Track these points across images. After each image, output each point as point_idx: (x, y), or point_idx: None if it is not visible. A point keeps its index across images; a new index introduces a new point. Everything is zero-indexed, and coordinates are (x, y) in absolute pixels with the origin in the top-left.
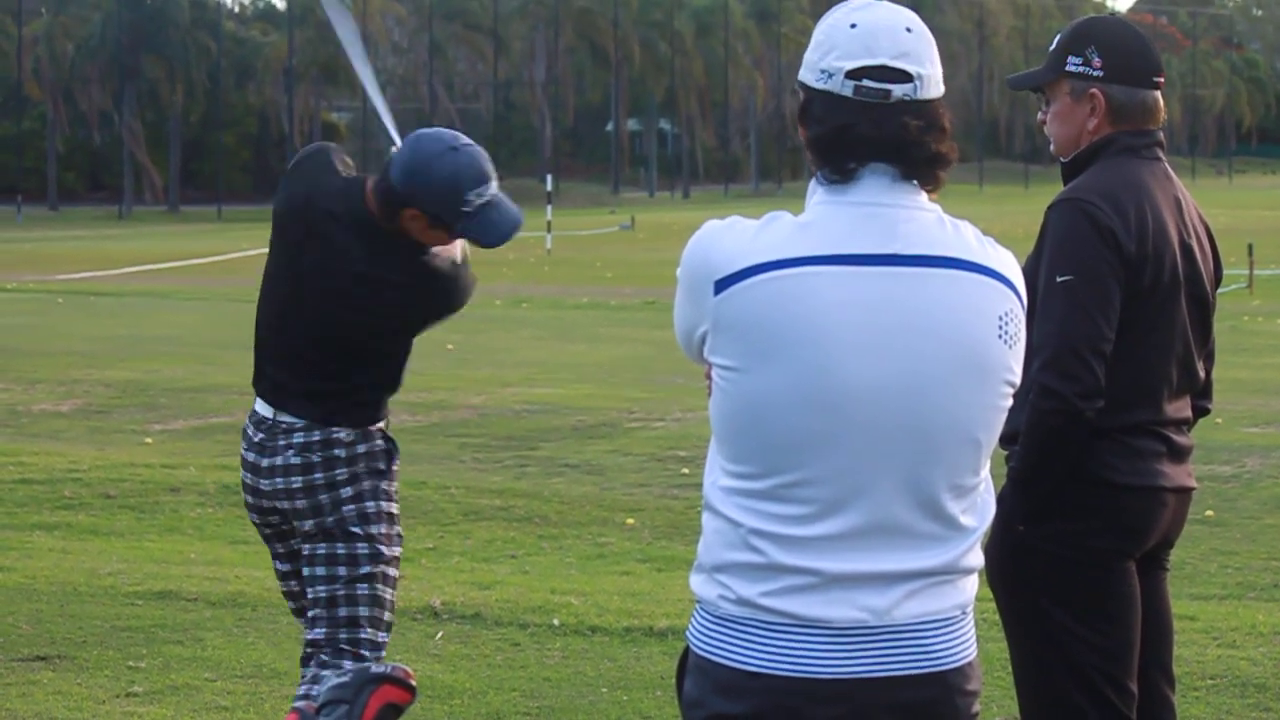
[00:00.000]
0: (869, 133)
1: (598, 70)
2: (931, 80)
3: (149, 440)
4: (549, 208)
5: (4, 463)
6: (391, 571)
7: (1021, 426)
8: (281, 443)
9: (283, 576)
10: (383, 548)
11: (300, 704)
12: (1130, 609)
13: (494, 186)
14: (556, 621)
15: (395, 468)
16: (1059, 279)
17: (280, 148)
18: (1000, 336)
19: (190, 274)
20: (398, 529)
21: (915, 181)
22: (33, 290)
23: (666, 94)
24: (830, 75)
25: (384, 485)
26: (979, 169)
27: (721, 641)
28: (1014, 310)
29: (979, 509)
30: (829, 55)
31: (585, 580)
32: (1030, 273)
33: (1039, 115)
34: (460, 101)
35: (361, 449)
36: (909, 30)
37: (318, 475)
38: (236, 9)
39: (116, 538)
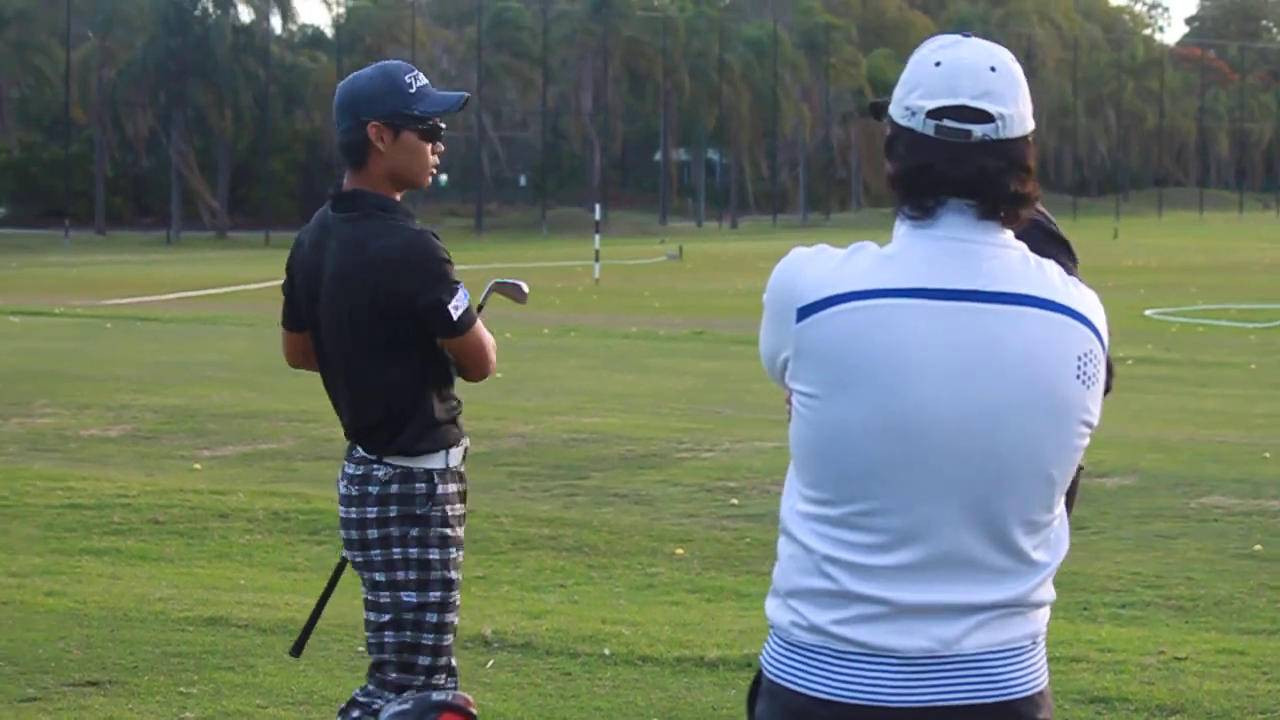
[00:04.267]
0: (947, 172)
1: (646, 99)
2: (1014, 120)
3: (198, 466)
4: (597, 237)
5: (53, 488)
6: (428, 618)
7: None
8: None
9: None
10: (405, 595)
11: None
12: None
13: (424, 77)
14: (607, 651)
15: (438, 512)
16: None
17: (328, 174)
18: (1079, 377)
19: (238, 300)
20: (438, 574)
21: (997, 219)
22: (81, 315)
23: (715, 124)
24: (913, 113)
25: (415, 531)
26: None
27: (793, 667)
28: (1094, 351)
29: (1052, 545)
30: (913, 93)
31: (635, 610)
32: None
33: None
34: (508, 130)
35: (395, 489)
36: (993, 69)
37: (354, 511)
38: (284, 35)
39: (165, 563)
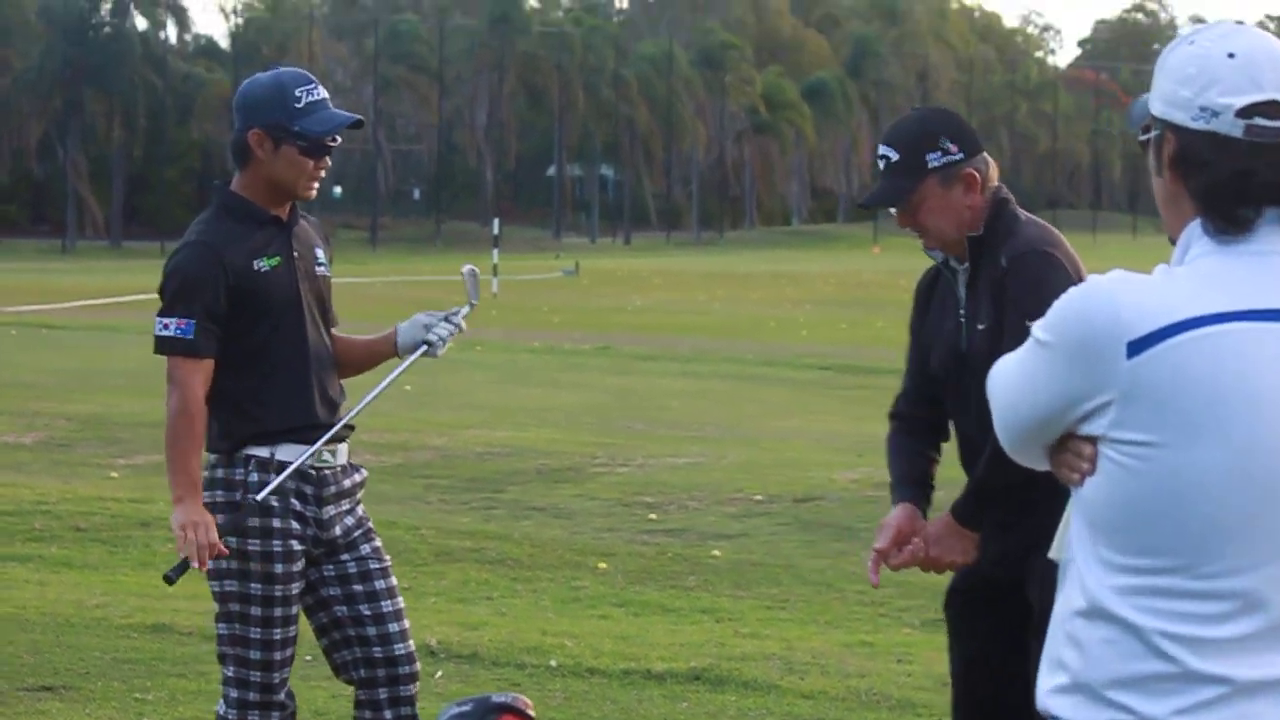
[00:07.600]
0: (1270, 178)
1: (541, 114)
2: None
3: (114, 474)
4: (495, 251)
5: None
6: (232, 609)
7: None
8: None
9: None
10: (217, 588)
11: None
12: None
13: (323, 91)
14: (554, 663)
15: (243, 522)
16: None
17: (223, 183)
18: None
19: (137, 309)
20: (229, 584)
21: None
22: None
23: (609, 140)
24: (1215, 114)
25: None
26: None
27: None
28: None
29: None
30: (1208, 90)
31: (568, 623)
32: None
33: (900, 222)
34: (402, 143)
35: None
36: None
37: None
38: (178, 45)
39: (90, 570)
